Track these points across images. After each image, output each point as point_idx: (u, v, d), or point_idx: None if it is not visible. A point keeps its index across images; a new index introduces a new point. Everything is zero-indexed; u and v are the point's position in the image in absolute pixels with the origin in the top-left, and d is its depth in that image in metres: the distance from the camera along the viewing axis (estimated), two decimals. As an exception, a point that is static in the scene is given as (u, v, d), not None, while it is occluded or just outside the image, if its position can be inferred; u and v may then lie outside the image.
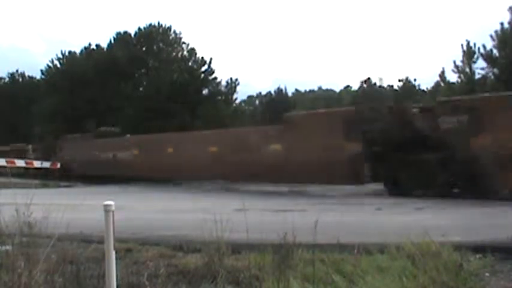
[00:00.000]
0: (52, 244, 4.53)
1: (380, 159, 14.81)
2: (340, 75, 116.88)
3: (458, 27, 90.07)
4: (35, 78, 49.84)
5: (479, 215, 10.40)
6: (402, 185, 14.22)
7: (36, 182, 22.92)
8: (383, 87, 64.57)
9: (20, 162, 27.47)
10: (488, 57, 29.43)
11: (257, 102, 69.85)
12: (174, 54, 43.49)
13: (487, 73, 30.04)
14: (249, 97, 67.87)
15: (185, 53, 43.29)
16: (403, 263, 5.12)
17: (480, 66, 30.08)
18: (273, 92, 64.08)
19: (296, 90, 73.63)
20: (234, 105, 45.57)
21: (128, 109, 37.84)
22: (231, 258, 5.48)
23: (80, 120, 37.64)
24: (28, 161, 27.82)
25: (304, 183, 17.10)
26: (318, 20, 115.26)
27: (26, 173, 26.87)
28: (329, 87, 77.92)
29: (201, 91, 41.48)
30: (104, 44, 44.35)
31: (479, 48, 29.83)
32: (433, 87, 46.43)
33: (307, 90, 77.57)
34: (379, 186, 15.24)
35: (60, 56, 44.46)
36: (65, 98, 40.09)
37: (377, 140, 14.93)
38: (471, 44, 30.16)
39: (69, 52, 44.60)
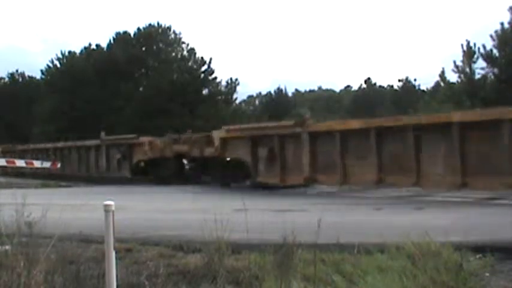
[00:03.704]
0: (52, 244, 4.53)
1: None
2: (340, 75, 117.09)
3: (458, 27, 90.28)
4: (35, 78, 49.84)
5: (479, 215, 10.39)
6: None
7: (37, 182, 22.98)
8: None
9: (20, 162, 27.50)
10: (488, 57, 29.44)
11: (257, 102, 69.89)
12: (173, 54, 43.55)
13: (487, 73, 30.09)
14: (249, 97, 67.97)
15: (185, 53, 43.37)
16: (403, 263, 5.12)
17: (480, 66, 30.12)
18: (273, 92, 64.20)
19: (296, 90, 73.76)
20: (234, 105, 45.57)
21: (128, 109, 37.87)
22: (231, 258, 5.47)
23: (80, 120, 37.67)
24: (28, 161, 27.83)
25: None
26: (317, 19, 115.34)
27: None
28: (329, 87, 78.07)
29: (201, 91, 41.53)
30: (104, 44, 44.43)
31: (479, 48, 29.87)
32: (433, 87, 46.50)
33: (307, 90, 77.66)
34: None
35: (60, 56, 44.52)
36: (65, 98, 40.12)
37: None
38: (471, 44, 30.21)
39: (69, 52, 44.65)
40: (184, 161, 22.50)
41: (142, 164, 23.96)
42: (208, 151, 19.99)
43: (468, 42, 30.33)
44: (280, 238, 5.09)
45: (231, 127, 20.38)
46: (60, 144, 29.73)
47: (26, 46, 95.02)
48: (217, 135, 19.63)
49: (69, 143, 29.15)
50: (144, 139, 23.45)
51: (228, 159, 19.41)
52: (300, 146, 15.99)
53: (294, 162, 16.44)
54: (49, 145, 30.69)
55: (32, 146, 32.60)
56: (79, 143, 28.09)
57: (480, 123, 12.33)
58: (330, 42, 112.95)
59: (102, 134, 26.07)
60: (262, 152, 17.41)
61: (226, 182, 19.40)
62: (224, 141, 19.17)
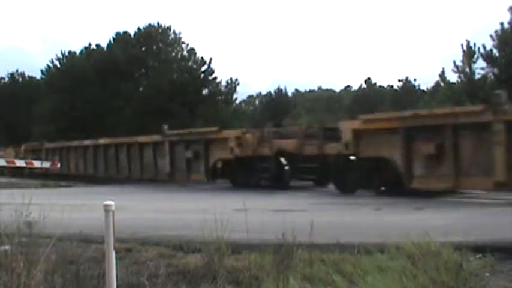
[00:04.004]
0: (52, 244, 4.53)
1: None
2: (340, 75, 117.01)
3: (458, 27, 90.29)
4: (35, 78, 49.81)
5: (479, 215, 10.41)
6: None
7: (37, 182, 22.98)
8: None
9: (20, 162, 27.51)
10: (488, 57, 29.45)
11: (257, 102, 69.88)
12: (173, 54, 43.48)
13: (487, 73, 30.09)
14: (249, 97, 67.94)
15: (185, 53, 43.28)
16: (403, 263, 5.12)
17: (480, 66, 30.13)
18: (272, 92, 64.20)
19: (296, 90, 73.72)
20: (234, 105, 45.55)
21: (128, 109, 37.85)
22: (231, 258, 5.47)
23: (80, 120, 37.66)
24: (28, 161, 27.82)
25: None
26: (317, 19, 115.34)
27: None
28: (329, 87, 77.99)
29: (201, 91, 41.47)
30: (104, 44, 44.37)
31: (479, 48, 29.88)
32: (433, 87, 46.51)
33: (307, 90, 77.61)
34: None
35: (60, 56, 44.44)
36: (65, 98, 40.05)
37: None
38: (471, 44, 30.22)
39: (69, 52, 44.54)
40: (283, 160, 18.26)
41: (219, 164, 20.22)
42: (332, 148, 16.17)
43: (468, 42, 30.36)
44: (280, 238, 5.10)
45: (370, 116, 16.02)
46: (102, 141, 25.36)
47: (26, 46, 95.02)
48: (347, 126, 15.75)
49: (118, 139, 24.66)
50: (230, 133, 19.73)
51: (352, 158, 15.63)
52: (490, 139, 12.46)
53: (475, 161, 12.93)
54: (87, 142, 26.51)
55: (66, 143, 28.83)
56: (129, 140, 23.73)
57: None
58: (330, 42, 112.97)
59: (165, 127, 21.85)
60: (424, 148, 13.62)
61: (350, 188, 15.51)
62: (357, 134, 15.26)
